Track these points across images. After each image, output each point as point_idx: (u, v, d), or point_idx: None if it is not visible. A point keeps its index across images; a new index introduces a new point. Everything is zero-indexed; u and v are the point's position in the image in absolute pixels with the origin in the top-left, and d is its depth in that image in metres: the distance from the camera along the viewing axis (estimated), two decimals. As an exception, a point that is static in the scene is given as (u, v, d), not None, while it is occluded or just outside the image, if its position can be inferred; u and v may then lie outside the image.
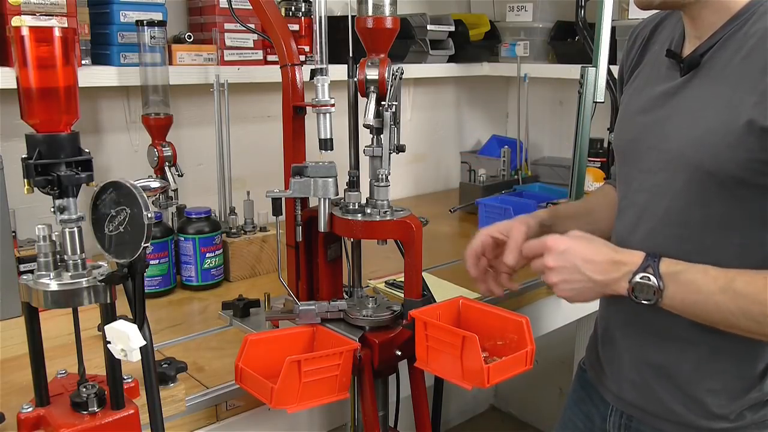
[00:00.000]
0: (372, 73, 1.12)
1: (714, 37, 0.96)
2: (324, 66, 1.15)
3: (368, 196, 1.15)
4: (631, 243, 1.03)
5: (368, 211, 1.12)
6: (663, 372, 1.04)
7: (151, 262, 1.40)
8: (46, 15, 1.37)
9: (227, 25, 1.67)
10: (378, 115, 1.12)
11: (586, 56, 1.84)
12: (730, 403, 1.00)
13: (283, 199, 1.14)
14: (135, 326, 0.79)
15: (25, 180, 0.80)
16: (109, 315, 0.83)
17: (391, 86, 1.11)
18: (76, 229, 0.82)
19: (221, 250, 1.52)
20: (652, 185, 1.02)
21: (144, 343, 0.79)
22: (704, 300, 0.92)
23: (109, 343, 0.79)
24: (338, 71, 1.18)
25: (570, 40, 2.21)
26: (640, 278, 0.94)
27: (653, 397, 1.05)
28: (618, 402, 1.11)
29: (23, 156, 0.80)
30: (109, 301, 0.83)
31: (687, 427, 1.03)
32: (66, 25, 1.38)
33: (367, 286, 1.47)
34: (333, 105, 1.15)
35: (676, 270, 0.94)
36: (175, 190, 1.54)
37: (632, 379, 1.08)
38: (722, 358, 1.00)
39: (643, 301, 0.95)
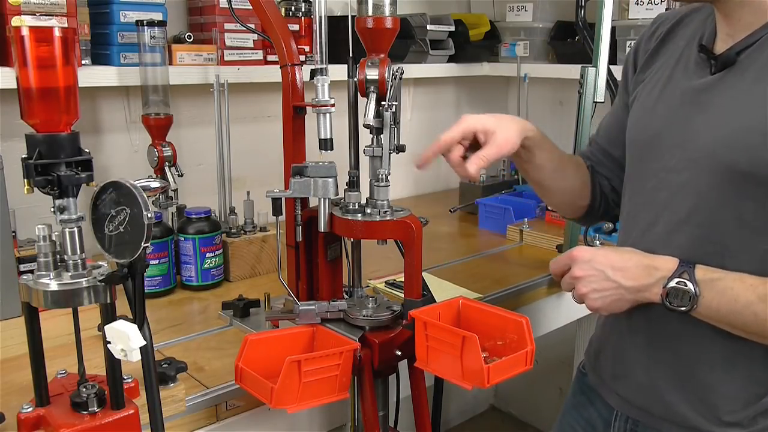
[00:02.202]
0: (372, 73, 1.12)
1: (752, 36, 0.93)
2: (324, 66, 1.15)
3: (368, 196, 1.14)
4: (646, 242, 1.00)
5: (368, 211, 1.12)
6: (674, 376, 1.01)
7: (151, 262, 1.40)
8: (46, 15, 1.37)
9: (227, 25, 1.67)
10: (378, 115, 1.12)
11: (586, 56, 1.84)
12: (743, 408, 0.97)
13: (283, 199, 1.14)
14: (135, 326, 0.79)
15: (25, 180, 0.80)
16: (109, 315, 0.83)
17: (391, 86, 1.11)
18: (76, 229, 0.82)
19: (221, 250, 1.52)
20: (675, 184, 0.98)
21: (144, 343, 0.79)
22: (741, 309, 0.89)
23: (109, 343, 0.79)
24: (338, 71, 1.18)
25: (570, 40, 2.21)
26: (676, 283, 0.92)
27: (662, 402, 1.02)
28: (623, 406, 1.08)
29: (23, 156, 0.80)
30: (109, 301, 0.83)
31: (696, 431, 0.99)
32: (66, 25, 1.38)
33: (367, 286, 1.47)
34: (333, 105, 1.15)
35: (712, 277, 0.91)
36: (175, 190, 1.54)
37: (640, 382, 1.04)
38: (737, 363, 0.96)
39: (678, 308, 0.92)
